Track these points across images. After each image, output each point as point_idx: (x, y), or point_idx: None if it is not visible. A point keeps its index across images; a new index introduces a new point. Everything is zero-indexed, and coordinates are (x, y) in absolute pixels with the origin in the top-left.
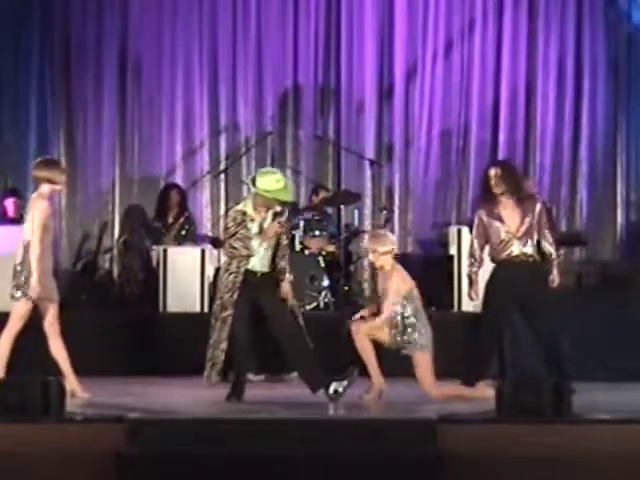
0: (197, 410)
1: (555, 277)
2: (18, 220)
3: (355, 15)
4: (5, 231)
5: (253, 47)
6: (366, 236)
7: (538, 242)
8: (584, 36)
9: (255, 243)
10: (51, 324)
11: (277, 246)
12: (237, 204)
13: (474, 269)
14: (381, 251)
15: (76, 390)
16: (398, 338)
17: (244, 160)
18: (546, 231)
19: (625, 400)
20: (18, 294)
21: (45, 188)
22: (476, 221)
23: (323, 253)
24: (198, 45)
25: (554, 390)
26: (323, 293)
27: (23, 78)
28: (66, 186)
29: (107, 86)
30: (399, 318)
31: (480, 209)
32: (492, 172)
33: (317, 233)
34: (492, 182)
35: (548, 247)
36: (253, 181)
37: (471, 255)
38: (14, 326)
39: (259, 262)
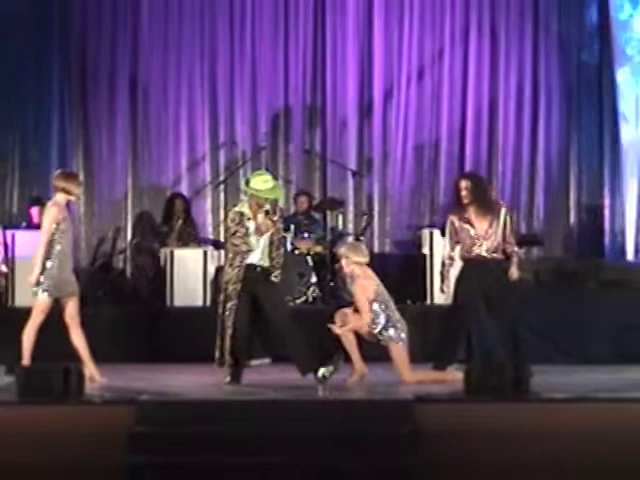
0: (200, 393)
1: (514, 272)
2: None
3: (339, 43)
4: (31, 236)
5: (248, 72)
6: (343, 244)
7: (502, 243)
8: (540, 61)
9: (253, 239)
10: (72, 316)
11: (272, 243)
12: (235, 206)
13: (446, 267)
14: (353, 260)
15: (94, 375)
16: (377, 334)
17: (241, 172)
18: (508, 233)
19: (576, 381)
20: (39, 290)
21: (60, 197)
22: (449, 225)
23: (311, 253)
24: (200, 71)
25: (515, 373)
26: (311, 289)
27: (45, 100)
28: (84, 196)
29: (119, 107)
30: (375, 316)
31: (452, 215)
32: (462, 184)
33: (306, 235)
34: (462, 193)
35: (510, 247)
36: (247, 182)
37: (445, 257)
38: (36, 319)
39: (258, 257)
